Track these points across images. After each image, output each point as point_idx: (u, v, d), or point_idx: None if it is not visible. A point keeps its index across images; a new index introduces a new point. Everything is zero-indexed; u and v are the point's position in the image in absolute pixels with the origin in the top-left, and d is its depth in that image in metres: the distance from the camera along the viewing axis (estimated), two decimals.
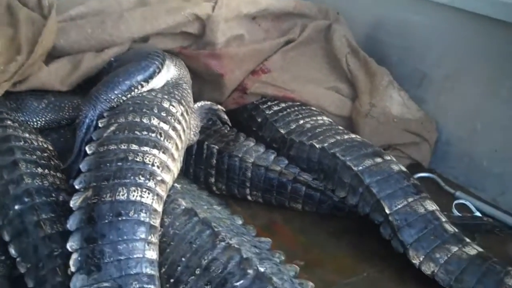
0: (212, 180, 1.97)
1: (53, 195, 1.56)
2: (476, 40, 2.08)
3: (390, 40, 2.40)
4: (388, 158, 1.77)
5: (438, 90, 2.19)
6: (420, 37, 2.29)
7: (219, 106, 2.11)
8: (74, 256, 1.31)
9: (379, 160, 1.75)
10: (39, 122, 1.96)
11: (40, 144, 1.75)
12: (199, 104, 2.04)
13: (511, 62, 1.96)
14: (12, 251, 1.47)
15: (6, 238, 1.49)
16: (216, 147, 1.94)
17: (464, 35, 2.12)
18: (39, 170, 1.61)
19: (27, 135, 1.76)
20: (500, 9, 1.94)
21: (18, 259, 1.45)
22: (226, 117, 2.10)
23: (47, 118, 1.98)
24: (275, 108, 2.10)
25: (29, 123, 1.93)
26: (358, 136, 1.91)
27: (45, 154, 1.71)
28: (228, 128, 2.07)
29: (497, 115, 1.99)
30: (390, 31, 2.41)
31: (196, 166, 1.99)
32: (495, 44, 2.00)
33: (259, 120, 2.10)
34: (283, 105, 2.11)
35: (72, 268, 1.30)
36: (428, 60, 2.24)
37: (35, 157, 1.66)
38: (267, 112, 2.09)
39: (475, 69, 2.08)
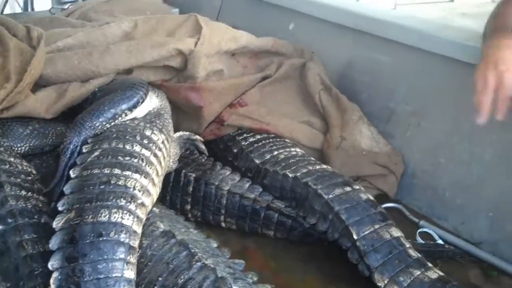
0: (188, 207, 2.04)
1: (36, 217, 1.62)
2: (441, 80, 2.22)
3: (361, 78, 2.53)
4: (357, 187, 1.88)
5: (404, 126, 2.32)
6: (389, 76, 2.43)
7: (198, 137, 2.21)
8: (55, 274, 1.37)
9: (348, 189, 1.85)
10: (23, 148, 2.03)
11: (24, 168, 1.82)
12: (178, 133, 2.14)
13: (472, 102, 2.09)
14: None
15: None
16: (194, 175, 2.03)
17: (429, 74, 2.27)
18: (23, 192, 1.68)
19: (12, 159, 1.83)
20: (463, 51, 2.10)
21: None
22: (203, 147, 2.20)
23: (31, 144, 2.05)
24: (251, 139, 2.20)
25: (13, 148, 2.00)
26: (329, 167, 2.01)
27: (29, 178, 1.77)
28: (205, 158, 2.17)
29: (459, 150, 2.11)
30: (361, 70, 2.55)
31: (173, 193, 2.06)
32: (458, 84, 2.14)
33: (235, 150, 2.19)
34: (258, 136, 2.22)
35: (53, 286, 1.36)
36: (396, 98, 2.37)
37: (19, 180, 1.73)
38: (243, 143, 2.19)
39: (439, 107, 2.22)
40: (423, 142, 2.25)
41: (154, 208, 1.75)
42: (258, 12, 3.09)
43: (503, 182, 1.97)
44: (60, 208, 1.50)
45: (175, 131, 2.14)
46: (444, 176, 2.15)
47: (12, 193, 1.65)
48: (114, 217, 1.46)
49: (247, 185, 1.98)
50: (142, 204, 1.56)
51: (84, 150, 1.72)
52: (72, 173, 1.62)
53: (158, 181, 1.74)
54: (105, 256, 1.39)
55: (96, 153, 1.67)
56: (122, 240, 1.43)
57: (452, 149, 2.14)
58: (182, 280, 1.47)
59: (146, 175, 1.65)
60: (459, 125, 2.14)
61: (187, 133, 2.19)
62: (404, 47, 2.33)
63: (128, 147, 1.69)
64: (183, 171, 2.05)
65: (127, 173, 1.60)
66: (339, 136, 2.22)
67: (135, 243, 1.47)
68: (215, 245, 1.70)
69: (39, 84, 2.11)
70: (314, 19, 2.76)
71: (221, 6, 3.28)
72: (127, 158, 1.65)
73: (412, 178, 2.25)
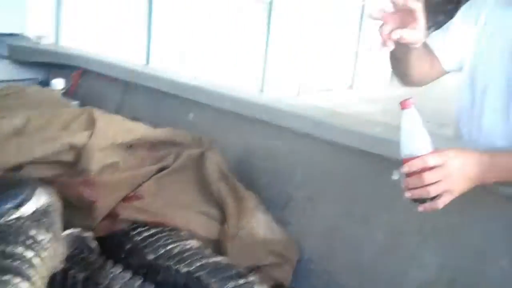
0: None
1: None
2: (332, 165, 2.31)
3: (260, 165, 2.58)
4: (252, 279, 1.86)
5: (301, 211, 2.36)
6: (286, 162, 2.49)
7: (89, 233, 2.13)
8: None
9: (241, 281, 1.83)
10: None
11: None
12: (68, 231, 2.06)
13: (362, 185, 2.19)
14: None
15: None
16: (82, 275, 1.94)
17: (323, 160, 2.35)
18: None
19: None
20: (350, 137, 2.20)
21: None
22: (95, 244, 2.12)
23: None
24: (145, 234, 2.14)
25: None
26: (225, 258, 1.99)
27: None
28: (96, 256, 2.09)
29: (352, 233, 2.17)
30: (260, 157, 2.60)
31: None
32: (349, 169, 2.24)
33: (129, 246, 2.12)
34: (153, 230, 2.16)
35: None
36: (292, 183, 2.43)
37: None
38: (137, 238, 2.13)
39: (332, 192, 2.29)
40: (318, 227, 2.29)
41: None
42: (159, 104, 3.13)
43: (394, 262, 2.03)
44: None
45: (67, 227, 2.06)
46: (339, 260, 2.18)
47: None
48: None
49: (138, 283, 1.91)
50: None
51: None
52: None
53: (42, 283, 1.66)
54: None
55: None
56: None
57: (345, 232, 2.19)
58: None
59: (28, 278, 1.56)
60: (351, 209, 2.20)
61: (78, 229, 2.11)
62: (300, 135, 2.42)
63: (9, 248, 1.62)
64: (71, 271, 1.96)
65: (7, 277, 1.52)
66: (236, 225, 2.22)
67: None
68: None
69: None
70: (213, 109, 2.82)
71: (122, 98, 3.31)
72: (8, 260, 1.57)
73: (309, 264, 2.26)
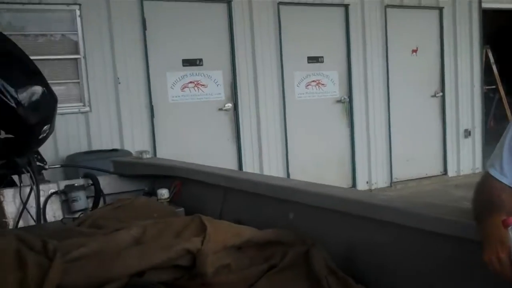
0: None
1: None
2: (441, 257, 2.28)
3: (365, 260, 2.60)
4: None
5: None
6: (392, 256, 2.49)
7: None
8: None
9: None
10: None
11: None
12: None
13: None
14: None
15: None
16: None
17: (433, 254, 2.33)
18: None
19: None
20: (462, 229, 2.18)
21: None
22: None
23: None
24: None
25: None
26: None
27: None
28: None
29: None
30: (363, 253, 2.62)
31: None
32: (464, 261, 2.20)
33: None
34: None
35: None
36: (401, 278, 2.42)
37: None
38: None
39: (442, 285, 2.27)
40: None
41: None
42: (259, 205, 3.26)
43: None
44: None
45: None
46: None
47: None
48: None
49: None
50: None
51: None
52: None
53: None
54: None
55: None
56: None
57: None
58: None
59: None
60: None
61: None
62: (404, 228, 2.43)
63: None
64: None
65: None
66: None
67: None
68: None
69: None
70: (312, 207, 2.92)
71: (223, 203, 3.48)
72: None
73: None
